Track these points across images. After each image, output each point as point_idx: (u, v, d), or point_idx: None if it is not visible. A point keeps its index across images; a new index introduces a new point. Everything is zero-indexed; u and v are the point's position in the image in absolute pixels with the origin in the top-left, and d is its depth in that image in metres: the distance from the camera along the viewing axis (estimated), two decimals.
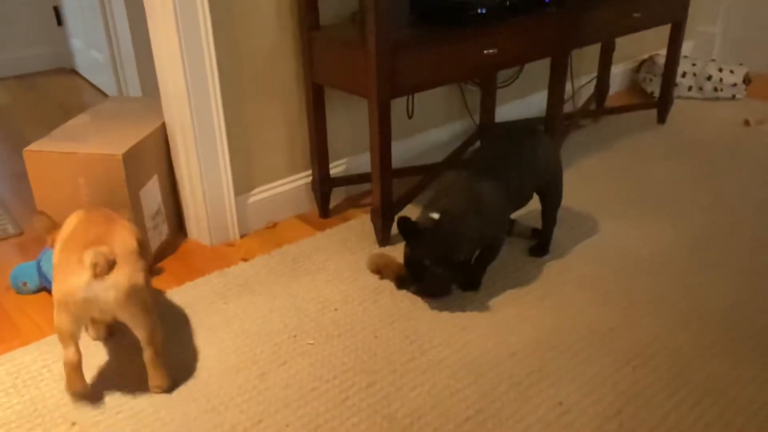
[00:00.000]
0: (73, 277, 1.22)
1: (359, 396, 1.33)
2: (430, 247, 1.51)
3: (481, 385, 1.35)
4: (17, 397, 1.34)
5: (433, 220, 1.51)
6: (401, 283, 1.66)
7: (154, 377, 1.34)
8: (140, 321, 1.27)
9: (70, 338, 1.27)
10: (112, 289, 1.22)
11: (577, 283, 1.68)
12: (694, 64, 3.04)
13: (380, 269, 1.71)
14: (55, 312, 1.27)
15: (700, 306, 1.59)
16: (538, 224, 1.83)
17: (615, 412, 1.28)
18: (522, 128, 1.76)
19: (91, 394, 1.34)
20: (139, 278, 1.26)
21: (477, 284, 1.65)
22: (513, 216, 1.84)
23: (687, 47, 3.39)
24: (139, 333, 1.29)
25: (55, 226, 1.45)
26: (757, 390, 1.33)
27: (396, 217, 1.53)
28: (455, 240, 1.51)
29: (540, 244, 1.81)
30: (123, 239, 1.30)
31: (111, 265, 1.21)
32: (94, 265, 1.19)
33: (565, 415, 1.28)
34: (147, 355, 1.31)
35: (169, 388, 1.35)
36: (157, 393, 1.35)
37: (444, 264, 1.52)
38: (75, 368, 1.27)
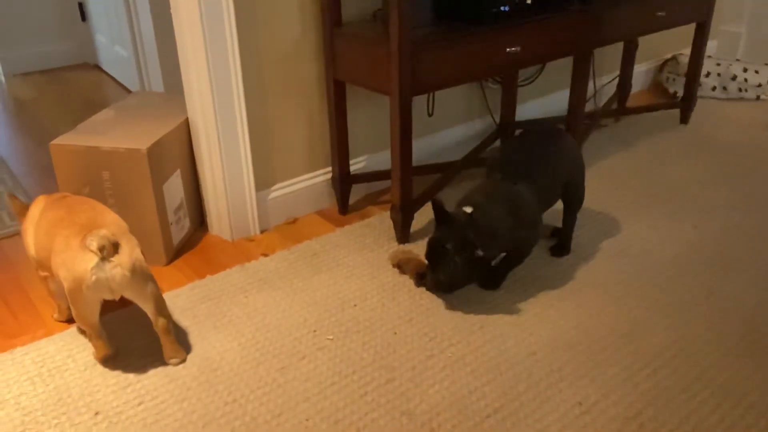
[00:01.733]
0: (80, 263, 1.27)
1: (378, 392, 1.33)
2: (456, 234, 1.50)
3: (499, 383, 1.35)
4: (42, 386, 1.36)
5: (465, 212, 1.52)
6: (420, 280, 1.66)
7: (169, 349, 1.40)
8: (146, 293, 1.34)
9: (93, 326, 1.36)
10: (118, 268, 1.28)
11: (597, 284, 1.67)
12: (718, 64, 3.00)
13: (401, 264, 1.72)
14: (71, 304, 1.32)
15: (722, 308, 1.58)
16: (559, 223, 1.83)
17: (635, 413, 1.28)
18: (546, 128, 1.75)
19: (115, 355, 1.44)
20: (138, 253, 1.33)
21: (497, 284, 1.65)
22: None
23: (711, 47, 3.35)
24: (147, 305, 1.36)
25: (25, 208, 1.51)
26: None
27: (432, 200, 1.53)
28: (484, 234, 1.50)
29: (561, 243, 1.80)
30: (114, 219, 1.37)
31: (116, 247, 1.28)
32: (102, 248, 1.25)
33: (584, 415, 1.27)
34: (159, 324, 1.37)
35: (184, 359, 1.41)
36: (174, 365, 1.40)
37: (464, 254, 1.50)
38: (105, 347, 1.40)
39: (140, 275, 1.32)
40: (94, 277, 1.27)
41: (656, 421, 1.26)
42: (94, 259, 1.26)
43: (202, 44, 1.68)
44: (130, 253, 1.30)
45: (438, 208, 1.52)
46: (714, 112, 2.83)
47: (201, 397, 1.33)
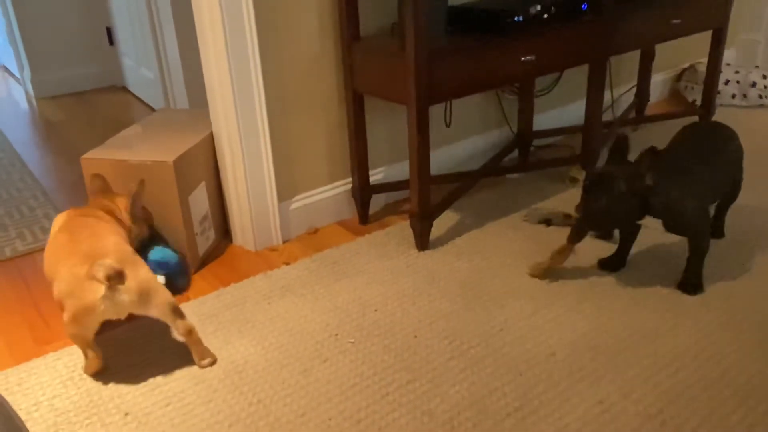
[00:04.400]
0: (89, 294, 1.30)
1: (399, 392, 1.35)
2: (628, 165, 1.57)
3: (520, 383, 1.37)
4: (74, 388, 1.41)
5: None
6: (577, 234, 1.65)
7: (199, 351, 1.44)
8: (156, 305, 1.37)
9: (88, 344, 1.40)
10: (125, 294, 1.32)
11: (616, 287, 1.68)
12: (737, 72, 3.00)
13: (547, 218, 1.80)
14: (68, 325, 1.34)
15: (744, 308, 1.57)
16: None
17: (656, 411, 1.28)
18: (718, 124, 1.77)
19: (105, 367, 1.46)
20: (142, 273, 1.36)
21: (697, 285, 1.64)
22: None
23: (730, 55, 3.35)
24: (162, 316, 1.39)
25: (107, 190, 1.58)
26: None
27: (617, 136, 1.61)
28: (642, 175, 1.53)
29: (718, 225, 1.88)
30: (116, 244, 1.40)
31: (121, 275, 1.30)
32: (108, 279, 1.28)
33: (605, 413, 1.28)
34: (180, 328, 1.41)
35: (215, 360, 1.45)
36: (206, 367, 1.44)
37: (630, 182, 1.52)
38: (97, 360, 1.42)
39: (147, 294, 1.35)
40: (103, 306, 1.31)
41: (678, 418, 1.26)
42: (102, 289, 1.29)
43: (226, 61, 1.74)
44: (135, 276, 1.33)
45: (622, 140, 1.59)
46: (734, 119, 2.82)
47: (226, 398, 1.36)
